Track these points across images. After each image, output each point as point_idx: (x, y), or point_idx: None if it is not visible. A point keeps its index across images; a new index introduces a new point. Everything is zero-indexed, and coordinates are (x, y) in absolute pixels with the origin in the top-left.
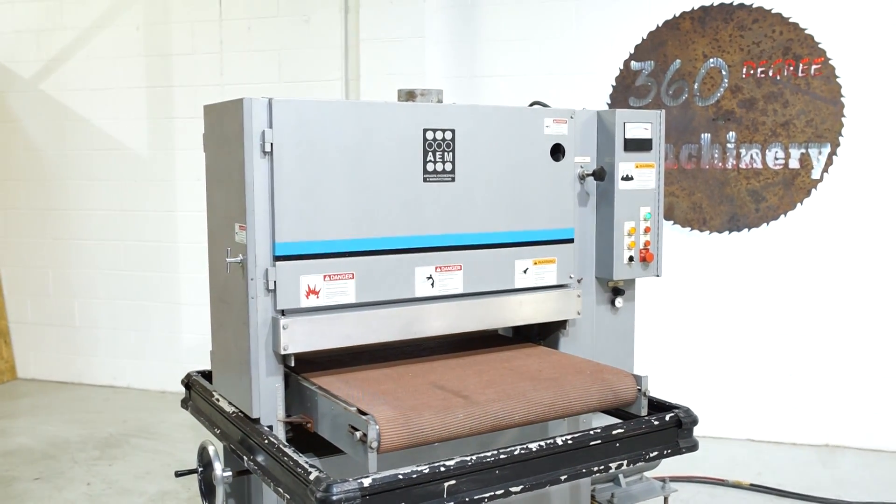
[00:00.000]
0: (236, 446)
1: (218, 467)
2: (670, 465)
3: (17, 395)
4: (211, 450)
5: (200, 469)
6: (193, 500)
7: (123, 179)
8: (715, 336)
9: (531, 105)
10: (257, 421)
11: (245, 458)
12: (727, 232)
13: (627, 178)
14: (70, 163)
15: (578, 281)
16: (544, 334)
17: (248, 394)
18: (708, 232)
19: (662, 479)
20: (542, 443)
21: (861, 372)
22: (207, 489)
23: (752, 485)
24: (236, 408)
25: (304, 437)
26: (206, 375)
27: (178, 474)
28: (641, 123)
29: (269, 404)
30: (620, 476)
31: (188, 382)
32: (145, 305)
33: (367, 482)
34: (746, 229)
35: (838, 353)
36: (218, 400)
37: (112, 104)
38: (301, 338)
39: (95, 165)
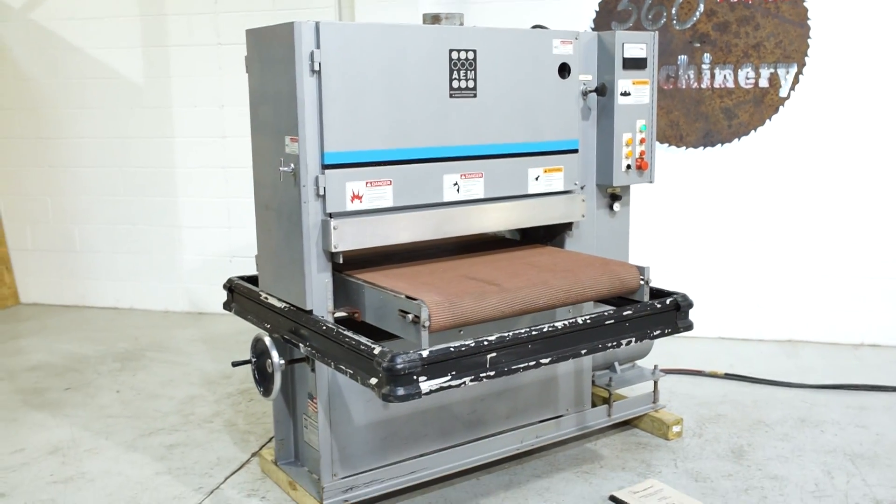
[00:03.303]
0: (290, 336)
1: (275, 355)
2: (654, 360)
3: (24, 318)
4: (267, 340)
5: (254, 359)
6: (220, 401)
7: (118, 107)
8: (690, 243)
9: (533, 28)
10: (310, 312)
11: (301, 345)
12: (702, 147)
13: (625, 94)
14: (63, 92)
15: (582, 187)
16: (550, 236)
17: (301, 289)
18: (684, 147)
19: (652, 368)
20: (566, 322)
21: (820, 273)
22: (262, 377)
23: (726, 374)
24: (288, 303)
25: None
26: (247, 280)
27: (235, 364)
28: (638, 44)
29: (320, 298)
30: (616, 364)
31: (231, 286)
32: (145, 230)
33: (424, 354)
34: (720, 144)
35: (800, 257)
36: (266, 298)
37: (104, 33)
38: (348, 237)
39: (89, 94)
